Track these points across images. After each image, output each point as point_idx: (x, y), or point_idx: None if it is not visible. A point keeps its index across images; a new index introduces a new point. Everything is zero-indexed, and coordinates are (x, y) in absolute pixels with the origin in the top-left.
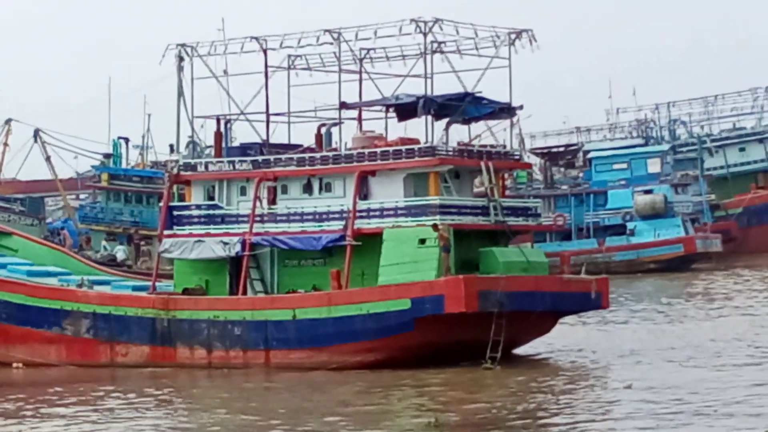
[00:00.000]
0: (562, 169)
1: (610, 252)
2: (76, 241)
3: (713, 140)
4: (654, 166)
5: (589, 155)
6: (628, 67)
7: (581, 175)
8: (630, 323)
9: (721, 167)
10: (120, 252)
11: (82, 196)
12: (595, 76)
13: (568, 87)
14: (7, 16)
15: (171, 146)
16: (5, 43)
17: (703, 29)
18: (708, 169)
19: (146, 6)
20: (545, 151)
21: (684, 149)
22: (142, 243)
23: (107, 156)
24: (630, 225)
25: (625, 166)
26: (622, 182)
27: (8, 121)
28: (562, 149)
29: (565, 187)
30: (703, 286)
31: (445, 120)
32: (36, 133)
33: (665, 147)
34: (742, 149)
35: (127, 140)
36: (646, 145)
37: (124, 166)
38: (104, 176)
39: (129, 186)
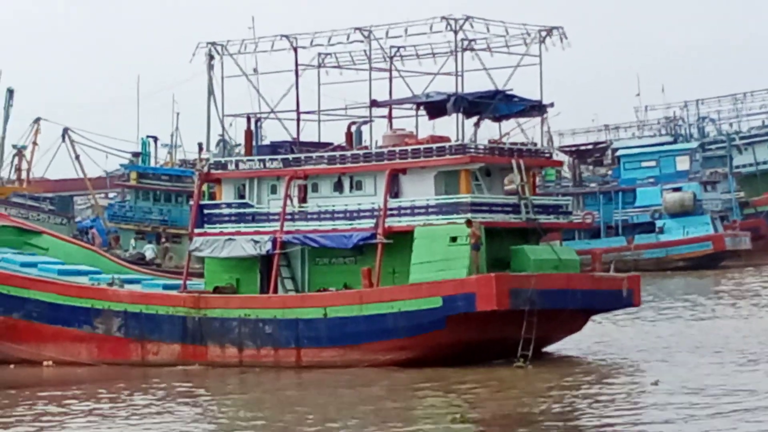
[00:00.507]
0: (591, 167)
1: (638, 250)
2: (105, 240)
3: (742, 137)
4: (683, 163)
5: (618, 153)
6: (657, 65)
7: (610, 172)
8: (659, 321)
9: (750, 164)
10: (149, 251)
11: (110, 195)
12: (623, 74)
13: (597, 85)
14: (37, 17)
15: (199, 144)
16: (35, 43)
17: (731, 26)
18: (737, 167)
19: (175, 5)
20: (574, 148)
21: (713, 147)
22: (164, 241)
23: (136, 155)
24: (659, 223)
25: (653, 163)
26: (651, 180)
27: (37, 120)
28: (590, 147)
29: (593, 184)
30: (732, 283)
31: (476, 118)
32: (65, 132)
33: (694, 144)
34: None
35: (155, 139)
36: (674, 142)
37: (152, 164)
38: (133, 175)
39: (158, 185)
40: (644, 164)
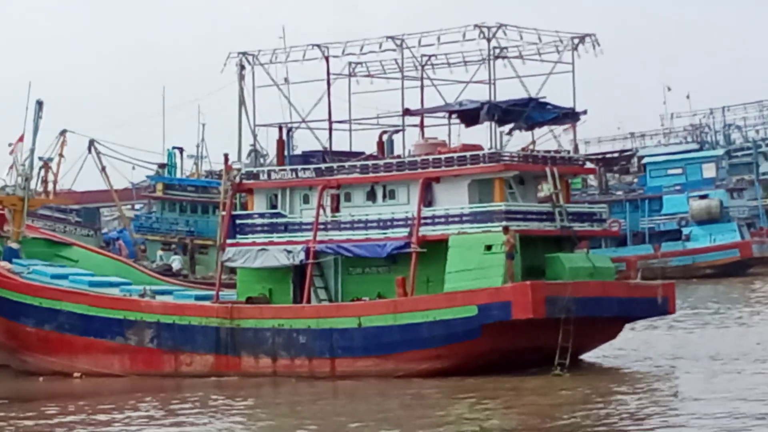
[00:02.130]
0: (617, 175)
1: (665, 257)
2: (132, 252)
3: None
4: (709, 171)
5: (644, 161)
6: (683, 72)
7: (636, 180)
8: (692, 328)
9: None
10: (176, 262)
11: (137, 206)
12: (649, 81)
13: (623, 92)
14: (64, 30)
15: (225, 155)
16: (62, 56)
17: (757, 33)
18: (764, 173)
19: (201, 17)
20: (600, 156)
21: (739, 154)
22: (190, 251)
23: (162, 166)
24: (685, 230)
25: (680, 171)
26: (677, 187)
27: (63, 132)
28: (616, 155)
29: (620, 192)
30: (760, 290)
31: (508, 126)
32: (91, 144)
33: (720, 152)
34: None
35: (181, 150)
36: (701, 150)
37: (178, 175)
38: (159, 186)
39: (184, 196)
40: (670, 172)
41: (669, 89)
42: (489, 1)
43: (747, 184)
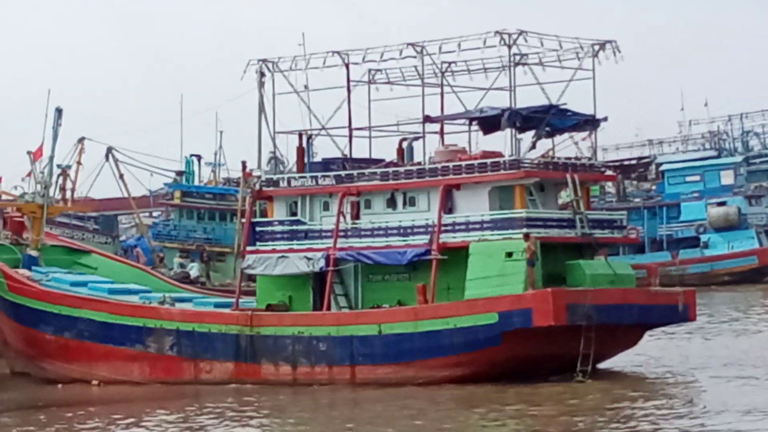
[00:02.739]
0: (635, 182)
1: (683, 264)
2: (150, 259)
3: None
4: (727, 177)
5: (662, 168)
6: (700, 79)
7: (654, 187)
8: (713, 336)
9: None
10: (194, 269)
11: (155, 214)
12: (667, 88)
13: (640, 99)
14: (82, 39)
15: (243, 163)
16: (80, 64)
17: None
18: None
19: (219, 25)
20: (617, 163)
21: (757, 160)
22: (206, 259)
23: (180, 173)
24: (703, 237)
25: (698, 178)
26: (695, 194)
27: (81, 140)
28: (634, 162)
29: (637, 199)
30: None
31: (527, 132)
32: (108, 152)
33: (738, 159)
34: None
35: (199, 158)
36: (719, 156)
37: (196, 183)
38: (177, 194)
39: (201, 203)
40: (688, 179)
41: (682, 109)
42: (506, 8)
43: (765, 191)
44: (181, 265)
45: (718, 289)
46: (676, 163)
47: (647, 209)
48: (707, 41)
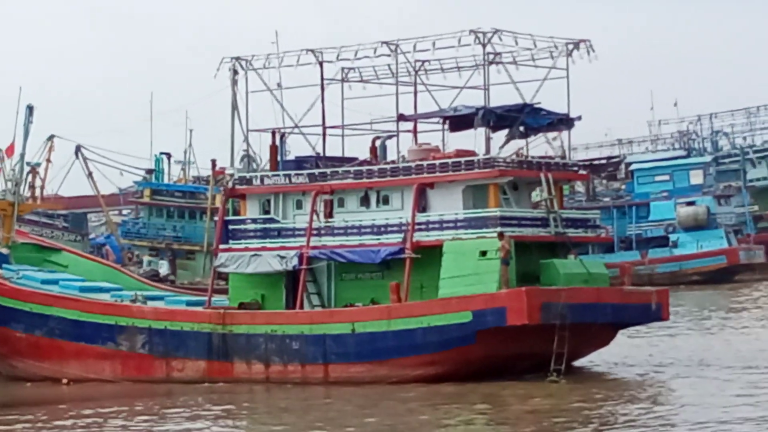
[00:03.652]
0: (604, 182)
1: (652, 264)
2: (119, 257)
3: (756, 151)
4: (696, 177)
5: (631, 167)
6: (670, 79)
7: (623, 187)
8: (680, 335)
9: (764, 178)
10: (163, 267)
11: (125, 212)
12: (637, 88)
13: (610, 99)
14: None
15: (213, 161)
16: (50, 63)
17: (744, 40)
18: (751, 180)
19: (189, 24)
20: (587, 163)
21: (726, 160)
22: (170, 257)
23: (149, 171)
24: (673, 237)
25: (667, 177)
26: (665, 194)
27: (51, 138)
28: (604, 161)
29: (607, 199)
30: (747, 297)
31: (501, 131)
32: (77, 150)
33: (708, 158)
34: None
35: (169, 156)
36: (688, 156)
37: (166, 181)
38: (146, 192)
39: (171, 201)
40: (658, 178)
41: (651, 108)
42: (480, 7)
43: (734, 190)
44: (150, 263)
45: (687, 288)
46: (646, 163)
47: (617, 209)
48: (677, 41)
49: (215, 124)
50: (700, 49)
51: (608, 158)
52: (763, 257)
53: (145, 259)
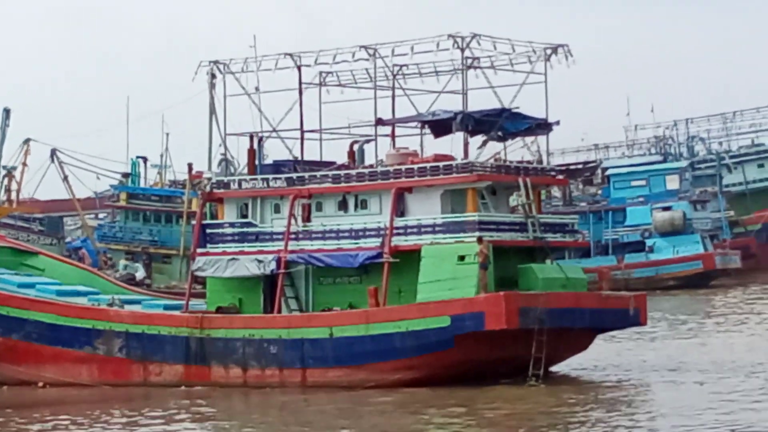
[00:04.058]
0: (581, 186)
1: (629, 269)
2: (96, 261)
3: (732, 156)
4: (672, 182)
5: (608, 172)
6: (647, 84)
7: (600, 192)
8: (657, 339)
9: (740, 183)
10: (139, 271)
11: (101, 216)
12: (613, 93)
13: (587, 103)
14: (28, 40)
15: (189, 165)
16: (26, 66)
17: (720, 46)
18: (727, 186)
19: (163, 29)
20: (563, 168)
21: (702, 166)
22: (145, 260)
23: (126, 175)
24: (649, 242)
25: (643, 183)
26: (641, 199)
27: (27, 141)
28: (580, 166)
29: (583, 204)
30: (723, 302)
31: (479, 136)
32: (53, 153)
33: (684, 163)
34: (761, 165)
35: (145, 160)
36: (664, 161)
37: (142, 185)
38: (123, 195)
39: (147, 205)
40: (634, 183)
41: (628, 114)
42: (456, 11)
43: (710, 196)
44: (126, 267)
45: (663, 293)
46: (622, 168)
47: (593, 213)
48: (653, 46)
49: (192, 127)
50: (677, 54)
51: (584, 163)
52: (739, 262)
53: (121, 263)
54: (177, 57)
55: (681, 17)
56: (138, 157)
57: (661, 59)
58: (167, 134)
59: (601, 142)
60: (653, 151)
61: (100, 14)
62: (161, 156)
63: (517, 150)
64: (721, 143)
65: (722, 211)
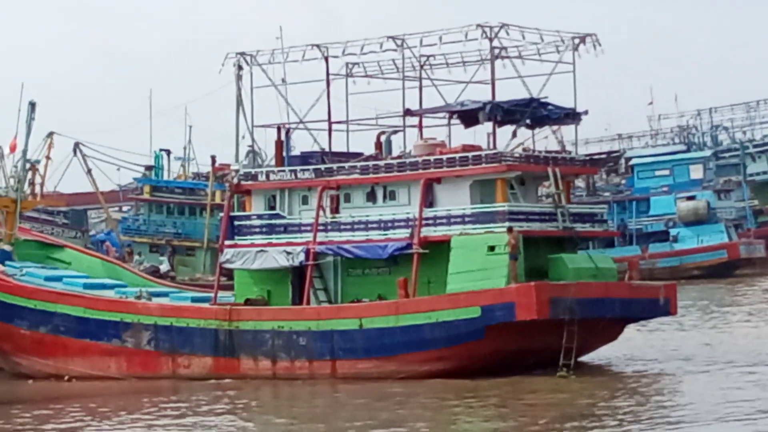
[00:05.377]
0: (605, 176)
1: (653, 259)
2: (120, 253)
3: (756, 145)
4: (696, 172)
5: (632, 162)
6: (671, 74)
7: (623, 182)
8: (686, 329)
9: (764, 172)
10: (164, 263)
11: (124, 209)
12: (637, 83)
13: (611, 93)
14: (53, 35)
15: (212, 157)
16: (49, 61)
17: (744, 35)
18: (751, 175)
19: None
20: (587, 158)
21: (726, 155)
22: (170, 253)
23: (149, 168)
24: (673, 231)
25: (667, 172)
26: (665, 189)
27: (50, 135)
28: (604, 156)
29: (607, 194)
30: (747, 292)
31: (507, 126)
32: (76, 146)
33: (707, 153)
34: None
35: (168, 152)
36: (688, 151)
37: (165, 178)
38: (146, 188)
39: (171, 198)
40: (658, 173)
41: (651, 103)
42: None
43: (734, 185)
44: (141, 262)
45: (687, 283)
46: (646, 158)
47: (617, 203)
48: (677, 36)
49: (215, 120)
50: (700, 44)
51: (608, 153)
52: (764, 251)
53: (135, 258)
54: (198, 52)
55: (705, 6)
56: (161, 149)
57: (684, 49)
58: (190, 127)
59: (625, 131)
60: (677, 140)
61: (124, 10)
62: (184, 149)
63: (541, 140)
64: (744, 132)
65: (746, 200)
